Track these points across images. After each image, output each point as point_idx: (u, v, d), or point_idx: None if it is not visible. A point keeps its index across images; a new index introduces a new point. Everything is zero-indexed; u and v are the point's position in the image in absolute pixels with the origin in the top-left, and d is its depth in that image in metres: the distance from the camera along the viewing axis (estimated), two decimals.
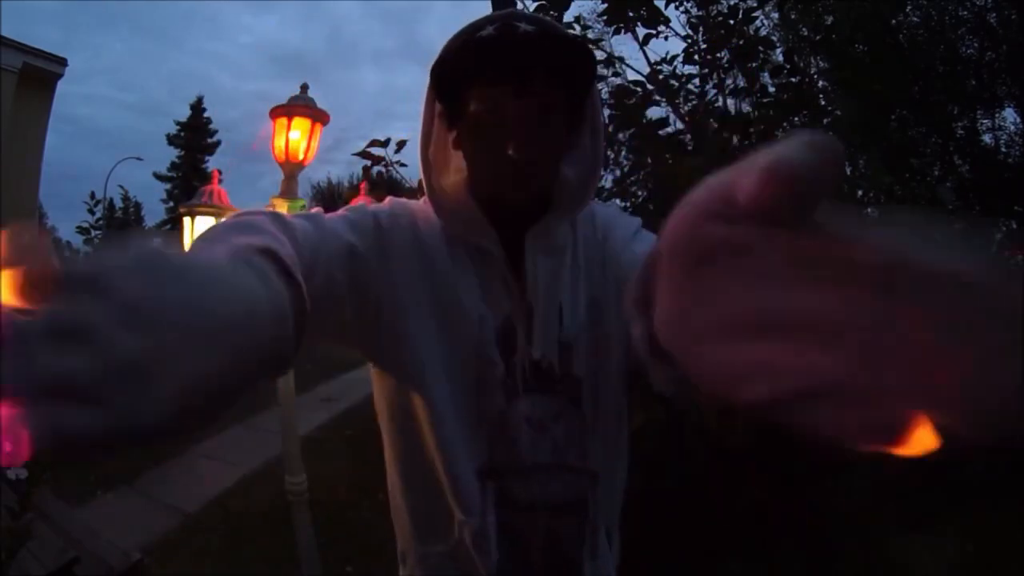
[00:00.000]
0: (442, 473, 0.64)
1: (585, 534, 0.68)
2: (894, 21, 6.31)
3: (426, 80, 0.65)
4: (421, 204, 0.71)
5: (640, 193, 2.36)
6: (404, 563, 0.72)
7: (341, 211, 0.66)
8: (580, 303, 0.67)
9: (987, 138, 6.81)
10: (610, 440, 0.69)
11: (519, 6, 2.20)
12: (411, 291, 0.65)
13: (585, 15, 2.41)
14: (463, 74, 0.62)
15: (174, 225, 6.52)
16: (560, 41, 0.62)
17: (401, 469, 0.70)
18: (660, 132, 2.18)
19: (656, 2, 2.24)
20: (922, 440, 0.21)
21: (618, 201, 2.41)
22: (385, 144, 2.27)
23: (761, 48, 2.31)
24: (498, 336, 0.65)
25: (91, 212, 5.85)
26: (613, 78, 2.60)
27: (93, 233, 5.83)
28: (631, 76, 2.40)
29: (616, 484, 0.72)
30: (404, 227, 0.67)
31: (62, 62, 7.08)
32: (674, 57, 2.34)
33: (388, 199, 0.72)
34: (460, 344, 0.64)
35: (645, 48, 2.33)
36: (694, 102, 2.34)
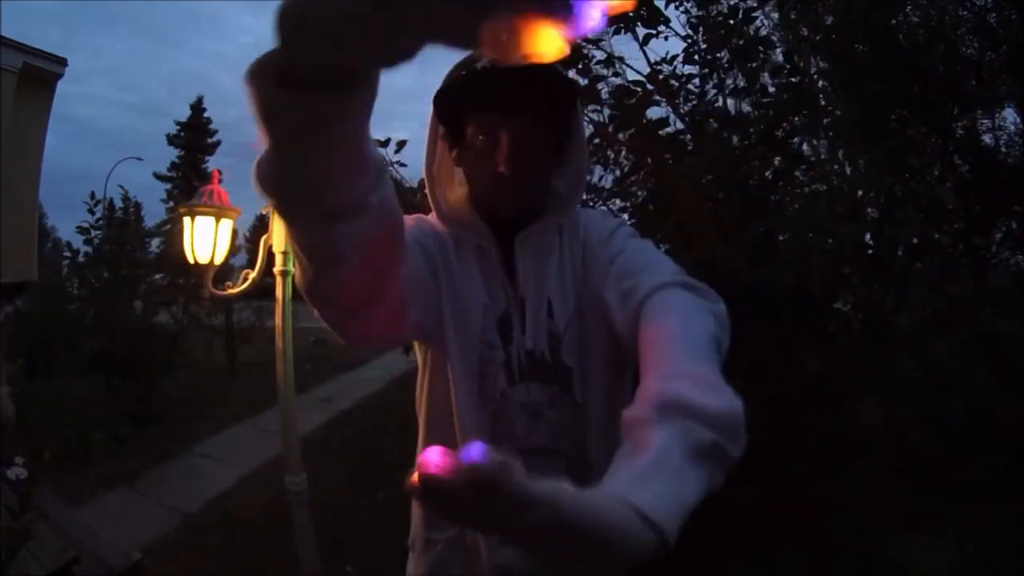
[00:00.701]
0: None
1: None
2: (894, 21, 6.30)
3: (426, 78, 0.74)
4: (431, 217, 0.81)
5: (640, 193, 2.36)
6: (413, 549, 0.78)
7: None
8: (569, 298, 0.75)
9: (987, 138, 6.80)
10: (611, 434, 0.72)
11: None
12: (442, 295, 0.74)
13: None
14: (461, 102, 0.72)
15: (174, 225, 6.52)
16: (542, 73, 0.71)
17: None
18: (660, 132, 2.18)
19: (656, 2, 2.24)
20: None
21: (618, 201, 2.41)
22: (385, 144, 2.27)
23: (761, 48, 2.31)
24: (498, 324, 0.73)
25: (91, 212, 5.88)
26: (613, 78, 2.59)
27: (93, 233, 5.85)
28: (631, 76, 2.39)
29: None
30: (428, 234, 0.77)
31: (62, 62, 7.07)
32: (674, 57, 2.34)
33: (409, 218, 0.80)
34: (468, 330, 0.73)
35: (645, 48, 2.32)
36: (694, 102, 2.34)
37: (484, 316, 0.73)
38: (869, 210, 2.40)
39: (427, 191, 0.78)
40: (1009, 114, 6.75)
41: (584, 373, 0.73)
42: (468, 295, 0.74)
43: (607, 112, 2.31)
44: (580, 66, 2.25)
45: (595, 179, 2.39)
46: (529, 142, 0.70)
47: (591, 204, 2.27)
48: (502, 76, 0.68)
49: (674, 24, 2.34)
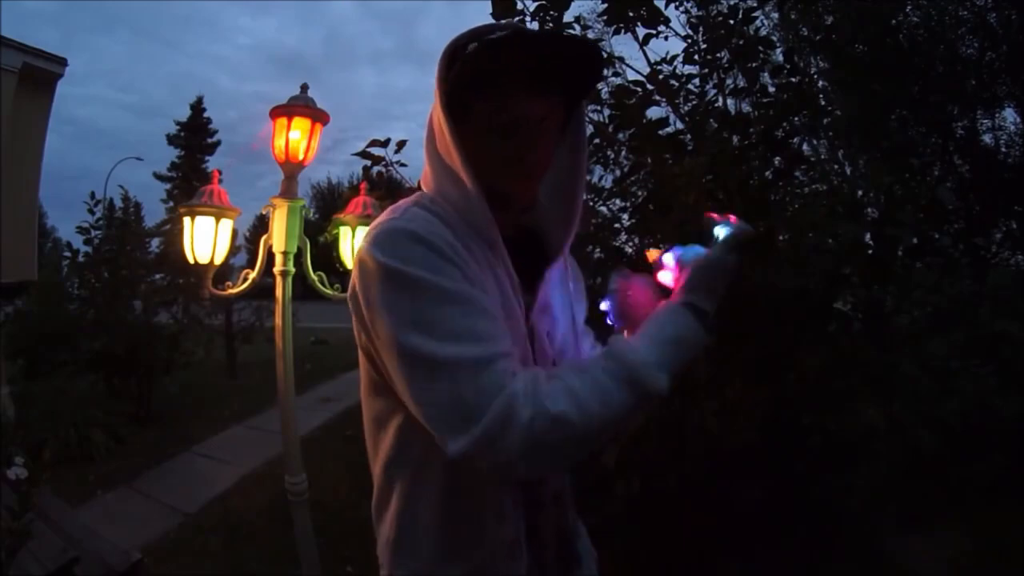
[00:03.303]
0: (484, 484, 0.67)
1: (576, 521, 0.80)
2: (894, 21, 6.30)
3: (425, 78, 0.71)
4: (426, 219, 0.64)
5: (640, 193, 2.36)
6: None
7: (429, 266, 0.60)
8: (566, 326, 0.76)
9: (987, 138, 6.80)
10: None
11: (519, 6, 2.19)
12: None
13: (585, 15, 2.40)
14: (475, 73, 0.62)
15: (174, 225, 6.51)
16: (580, 47, 0.65)
17: (442, 490, 0.67)
18: (660, 132, 2.18)
19: (656, 2, 2.24)
20: None
21: (618, 201, 2.41)
22: (385, 144, 2.27)
23: (761, 48, 2.31)
24: None
25: (91, 212, 5.87)
26: (613, 78, 2.60)
27: (93, 233, 5.84)
28: (631, 76, 2.39)
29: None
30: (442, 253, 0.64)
31: (62, 62, 7.07)
32: (674, 57, 2.34)
33: (401, 239, 0.63)
34: None
35: (645, 48, 2.32)
36: (694, 102, 2.34)
37: None
38: (869, 210, 2.40)
39: (433, 179, 0.68)
40: (1009, 114, 6.76)
41: None
42: None
43: (607, 112, 2.32)
44: None
45: (595, 179, 2.39)
46: (551, 126, 0.65)
47: (591, 204, 2.28)
48: (523, 45, 0.61)
49: (674, 24, 2.34)
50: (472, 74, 0.62)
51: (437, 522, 0.67)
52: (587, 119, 1.76)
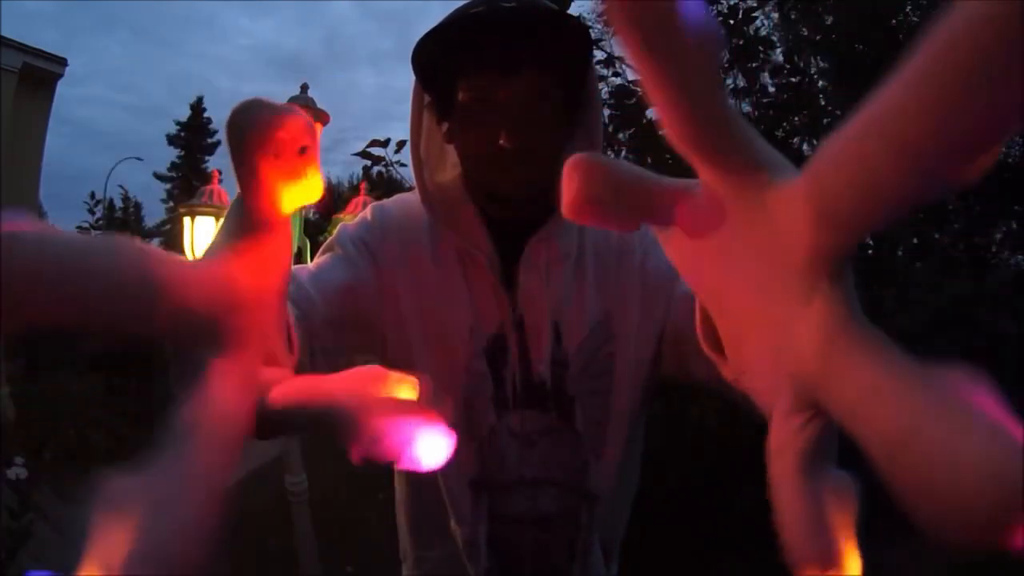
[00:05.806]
0: (440, 485, 0.64)
1: (576, 548, 0.65)
2: (894, 21, 6.31)
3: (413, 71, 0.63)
4: (408, 202, 0.68)
5: None
6: (405, 561, 0.74)
7: (333, 246, 0.64)
8: (585, 320, 0.63)
9: None
10: (614, 462, 0.66)
11: None
12: (408, 306, 0.63)
13: (585, 15, 2.41)
14: (449, 60, 0.59)
15: (174, 225, 6.52)
16: (546, 17, 0.59)
17: (406, 479, 0.71)
18: (660, 132, 2.19)
19: None
20: None
21: None
22: (385, 144, 2.27)
23: (761, 48, 2.32)
24: (488, 349, 0.63)
25: (91, 212, 5.89)
26: (613, 78, 2.60)
27: (93, 233, 5.85)
28: (631, 76, 2.40)
29: (620, 502, 0.71)
30: (392, 240, 0.65)
31: (62, 62, 7.09)
32: None
33: (368, 208, 0.70)
34: (450, 356, 0.62)
35: None
36: None
37: (471, 341, 0.62)
38: None
39: (413, 174, 0.66)
40: None
41: (591, 404, 0.63)
42: (448, 314, 0.62)
43: (607, 112, 2.32)
44: None
45: None
46: (536, 105, 0.58)
47: None
48: (497, 22, 0.56)
49: None
50: (439, 59, 0.59)
51: (409, 512, 0.71)
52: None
